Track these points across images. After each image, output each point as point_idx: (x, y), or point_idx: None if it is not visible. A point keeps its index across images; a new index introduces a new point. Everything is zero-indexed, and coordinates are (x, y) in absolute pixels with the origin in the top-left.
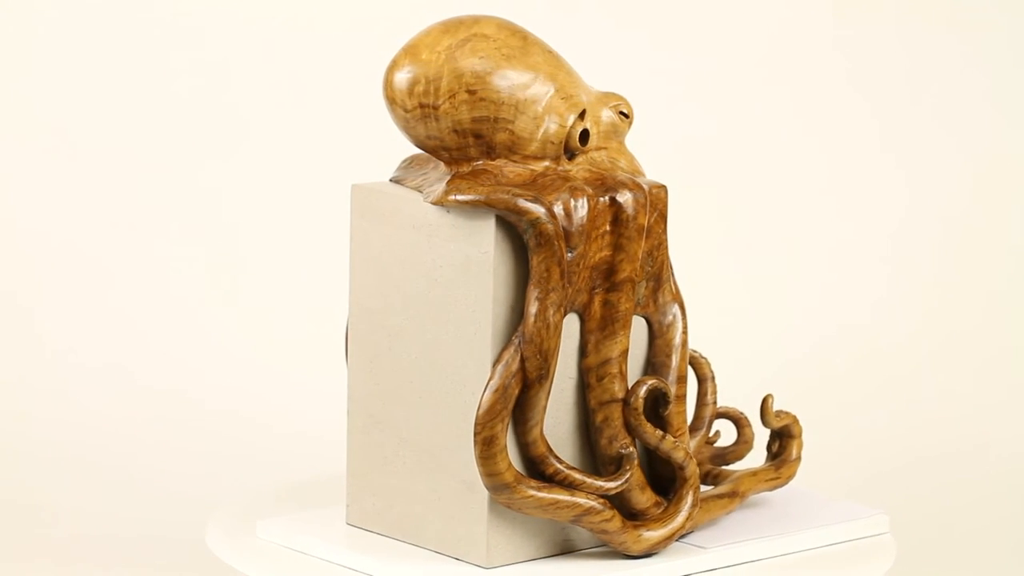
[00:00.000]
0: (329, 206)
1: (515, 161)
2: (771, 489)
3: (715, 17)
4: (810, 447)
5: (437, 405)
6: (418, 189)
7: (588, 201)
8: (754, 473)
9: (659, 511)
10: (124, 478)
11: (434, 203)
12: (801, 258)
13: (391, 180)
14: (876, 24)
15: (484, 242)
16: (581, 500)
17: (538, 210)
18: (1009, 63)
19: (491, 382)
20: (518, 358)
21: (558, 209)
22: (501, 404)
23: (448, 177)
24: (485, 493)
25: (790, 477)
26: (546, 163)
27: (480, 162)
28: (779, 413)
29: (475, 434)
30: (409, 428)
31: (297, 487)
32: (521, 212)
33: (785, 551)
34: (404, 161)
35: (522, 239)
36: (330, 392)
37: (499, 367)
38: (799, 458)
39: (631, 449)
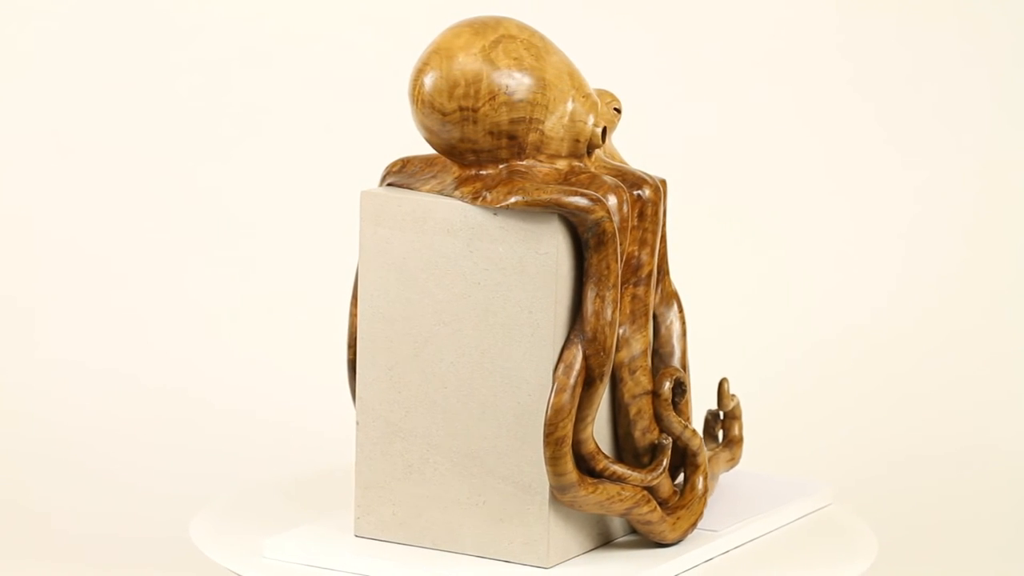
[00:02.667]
0: (325, 204)
1: (540, 161)
2: (728, 469)
3: (718, 16)
4: (810, 444)
5: (482, 409)
6: (443, 193)
7: (627, 197)
8: (716, 456)
9: (676, 499)
10: (124, 477)
11: (499, 206)
12: (804, 259)
13: (390, 186)
14: (878, 23)
15: (545, 243)
16: (631, 493)
17: (602, 209)
18: (1013, 62)
19: (558, 382)
20: (580, 357)
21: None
22: (570, 404)
23: (462, 179)
24: (544, 494)
25: (740, 457)
26: (570, 162)
27: (507, 164)
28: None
29: (546, 435)
30: (442, 434)
31: (286, 485)
32: (588, 211)
33: (780, 524)
34: (394, 165)
35: (577, 238)
36: (329, 389)
37: (563, 367)
38: (743, 437)
39: (669, 440)
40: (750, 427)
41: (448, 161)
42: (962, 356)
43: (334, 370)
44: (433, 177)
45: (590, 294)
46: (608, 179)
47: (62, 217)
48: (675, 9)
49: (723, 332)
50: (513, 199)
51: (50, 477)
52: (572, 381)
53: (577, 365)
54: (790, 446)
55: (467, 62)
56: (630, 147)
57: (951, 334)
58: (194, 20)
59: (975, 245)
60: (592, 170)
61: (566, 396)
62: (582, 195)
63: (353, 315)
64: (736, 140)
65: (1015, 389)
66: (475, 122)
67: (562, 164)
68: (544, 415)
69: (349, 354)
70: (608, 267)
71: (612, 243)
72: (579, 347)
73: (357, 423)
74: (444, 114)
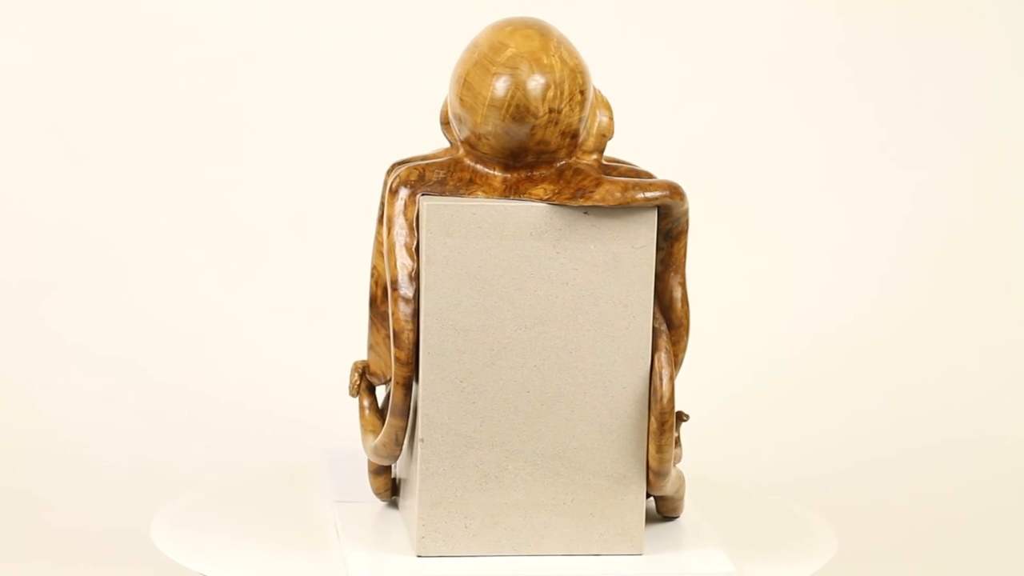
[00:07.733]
0: (324, 201)
1: (578, 157)
2: None
3: (717, 17)
4: (803, 442)
5: (570, 408)
6: (510, 197)
7: None
8: None
9: None
10: (125, 473)
11: (613, 204)
12: (800, 259)
13: (425, 195)
14: (878, 25)
15: (642, 237)
16: (681, 472)
17: (687, 200)
18: (1011, 63)
19: (663, 371)
20: (668, 344)
21: None
22: (674, 390)
23: (518, 181)
24: (640, 482)
25: None
26: (595, 156)
27: (557, 162)
28: None
29: (661, 423)
30: (523, 439)
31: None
32: (683, 202)
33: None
34: (410, 174)
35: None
36: (328, 384)
37: (658, 355)
38: None
39: (688, 415)
40: (745, 425)
41: (473, 164)
42: (955, 354)
43: (332, 366)
44: (471, 183)
45: (673, 282)
46: (644, 170)
47: (63, 216)
48: (674, 9)
49: (722, 330)
50: (619, 194)
51: (53, 472)
52: (670, 369)
53: (667, 353)
54: (784, 443)
55: (552, 65)
56: (630, 146)
57: (945, 332)
58: (198, 19)
59: (971, 245)
60: (624, 164)
61: (674, 383)
62: (671, 188)
63: (410, 331)
64: (734, 140)
65: (1007, 385)
66: (556, 123)
67: (591, 159)
68: (647, 406)
69: (405, 372)
70: (684, 255)
71: (687, 232)
72: (665, 335)
73: (421, 440)
74: (536, 117)
